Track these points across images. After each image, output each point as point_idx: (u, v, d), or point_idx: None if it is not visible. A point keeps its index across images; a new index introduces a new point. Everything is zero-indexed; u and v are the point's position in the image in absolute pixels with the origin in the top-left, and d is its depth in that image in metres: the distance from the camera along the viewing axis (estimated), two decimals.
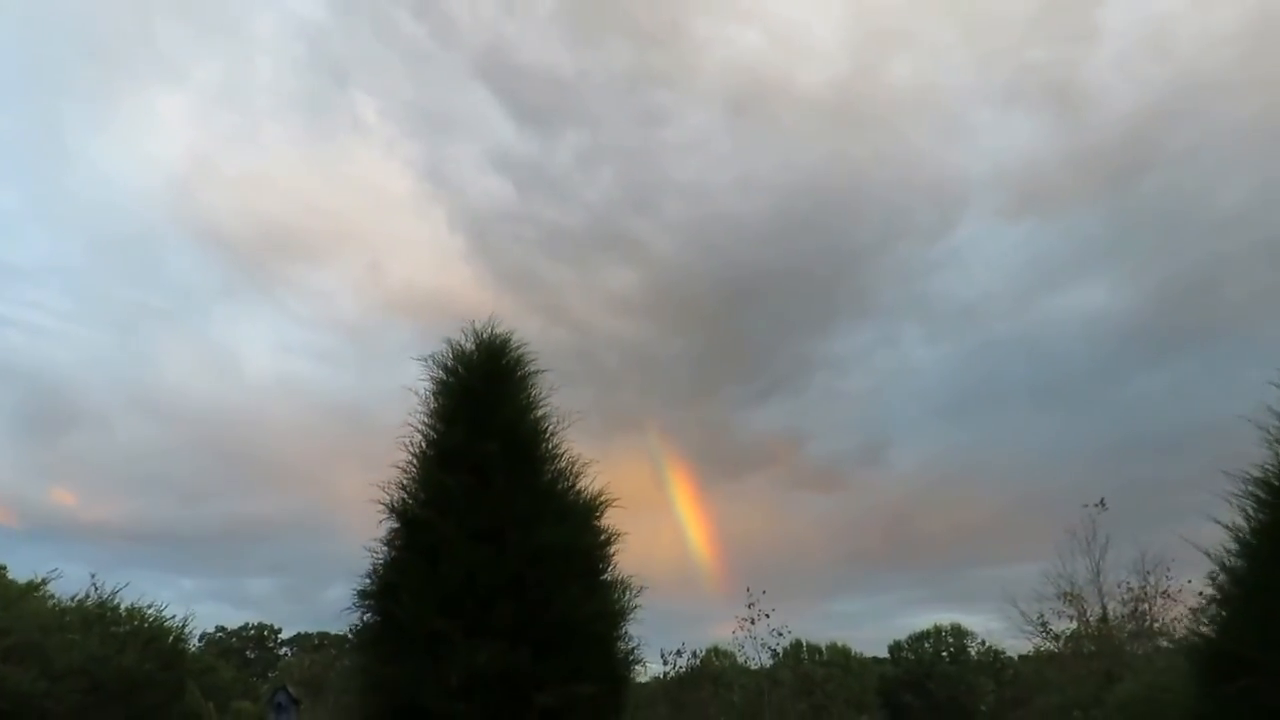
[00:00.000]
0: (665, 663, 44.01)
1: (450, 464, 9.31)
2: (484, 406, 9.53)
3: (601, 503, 9.67)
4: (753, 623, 40.03)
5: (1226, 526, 9.50)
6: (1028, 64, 59.73)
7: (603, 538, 9.57)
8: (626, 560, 9.83)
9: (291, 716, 17.43)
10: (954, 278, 65.35)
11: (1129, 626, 36.83)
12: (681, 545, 54.19)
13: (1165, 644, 35.90)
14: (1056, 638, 37.70)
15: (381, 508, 9.37)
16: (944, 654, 57.23)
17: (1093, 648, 36.64)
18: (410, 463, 9.58)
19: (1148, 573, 36.03)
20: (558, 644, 8.63)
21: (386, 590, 8.91)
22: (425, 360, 9.93)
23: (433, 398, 9.85)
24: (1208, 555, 9.49)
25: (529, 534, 8.89)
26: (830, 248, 64.57)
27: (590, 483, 9.75)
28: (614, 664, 9.10)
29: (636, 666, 9.42)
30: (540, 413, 9.89)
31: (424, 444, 9.64)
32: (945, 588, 67.57)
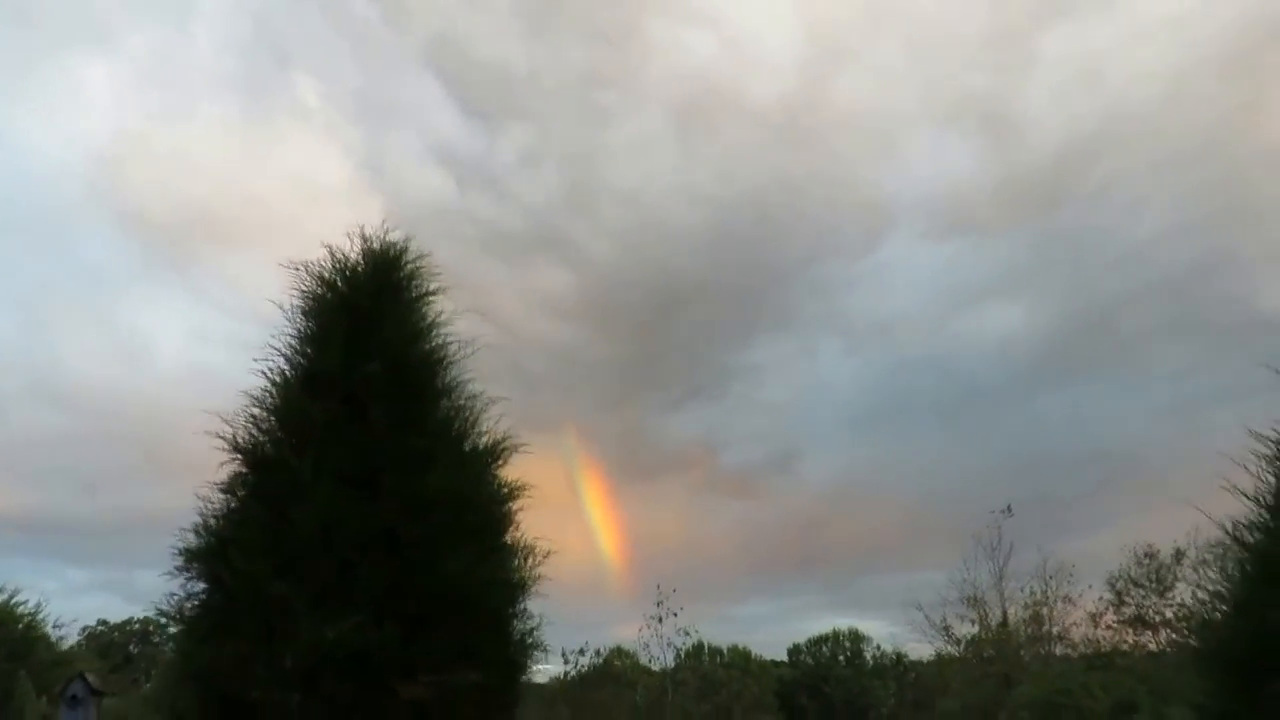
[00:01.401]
0: (566, 662, 41.87)
1: (318, 390, 7.04)
2: (367, 327, 7.27)
3: (505, 448, 7.50)
4: (660, 621, 38.23)
5: (1245, 495, 7.83)
6: (967, 90, 59.64)
7: (504, 491, 7.40)
8: (533, 524, 7.73)
9: (89, 710, 14.57)
10: (875, 295, 64.96)
11: (1027, 631, 36.09)
12: (591, 548, 52.14)
13: (1065, 650, 35.34)
14: (958, 641, 36.78)
15: (223, 445, 7.01)
16: (841, 658, 56.17)
17: (992, 652, 35.76)
18: (267, 391, 7.24)
19: (1049, 578, 35.45)
20: (437, 619, 6.42)
21: (218, 548, 6.57)
22: (297, 268, 7.62)
23: (303, 316, 7.53)
24: (1226, 531, 7.76)
25: (410, 480, 6.66)
26: (760, 261, 63.44)
27: (494, 423, 7.59)
28: (509, 647, 6.93)
29: (537, 653, 7.26)
30: (437, 340, 7.68)
31: (287, 369, 7.32)
32: (847, 594, 66.93)
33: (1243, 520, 7.92)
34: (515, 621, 7.07)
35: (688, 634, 38.36)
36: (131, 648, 53.38)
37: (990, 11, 59.76)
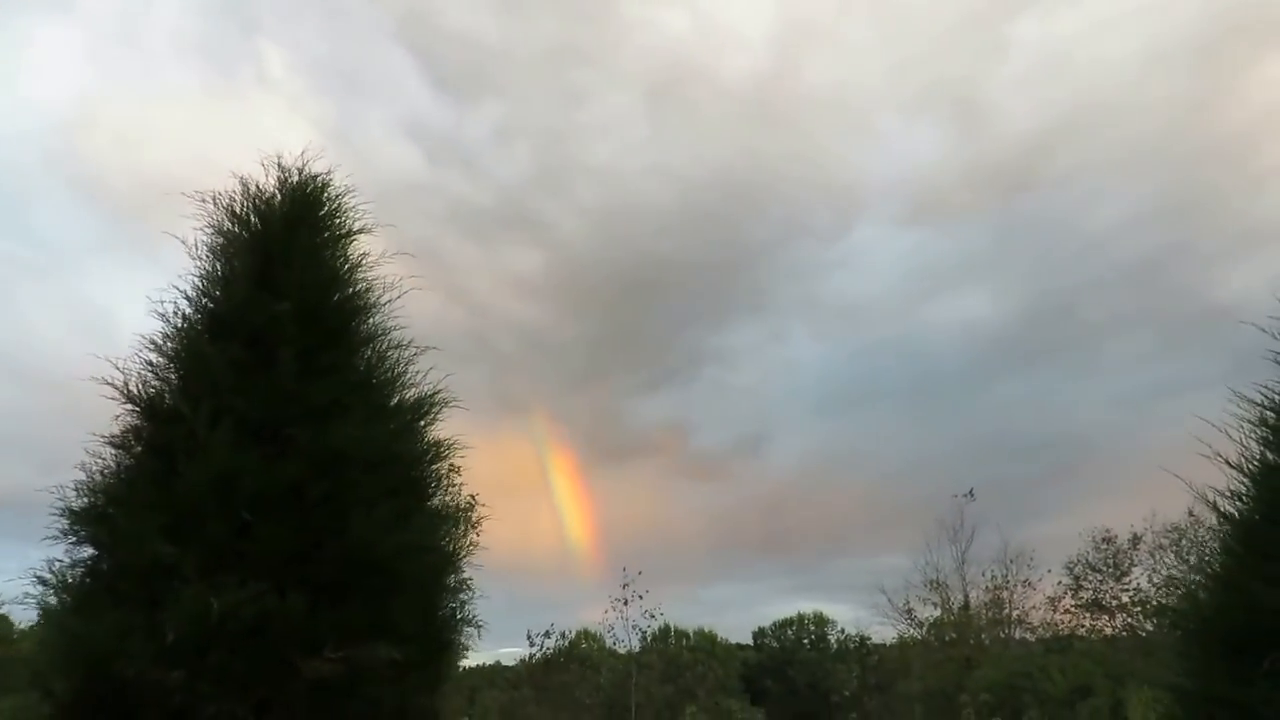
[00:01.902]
0: (532, 645, 41.10)
1: (220, 334, 6.21)
2: (279, 265, 6.43)
3: (434, 404, 6.70)
4: (626, 603, 37.56)
5: (1228, 463, 7.17)
6: (938, 75, 58.99)
7: (432, 449, 6.61)
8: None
9: None
10: (845, 279, 64.24)
11: (988, 614, 35.87)
12: (560, 531, 51.44)
13: (1024, 634, 35.15)
14: (921, 625, 36.51)
15: (114, 393, 6.15)
16: (805, 641, 55.89)
17: (953, 635, 35.50)
18: (166, 335, 6.38)
19: (1010, 562, 35.23)
20: (348, 588, 5.63)
21: (103, 508, 5.73)
22: (205, 201, 6.76)
23: (211, 254, 6.68)
24: (1207, 502, 7.10)
25: (320, 432, 5.86)
26: (733, 243, 62.50)
27: (423, 374, 6.79)
28: (434, 622, 6.14)
29: (470, 630, 6.49)
30: (360, 283, 6.86)
31: (189, 310, 6.46)
32: (813, 577, 66.68)
33: (1223, 490, 7.27)
34: (442, 594, 6.28)
35: (653, 616, 37.82)
36: None
37: None
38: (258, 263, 6.47)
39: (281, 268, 6.41)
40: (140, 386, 6.14)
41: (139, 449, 6.03)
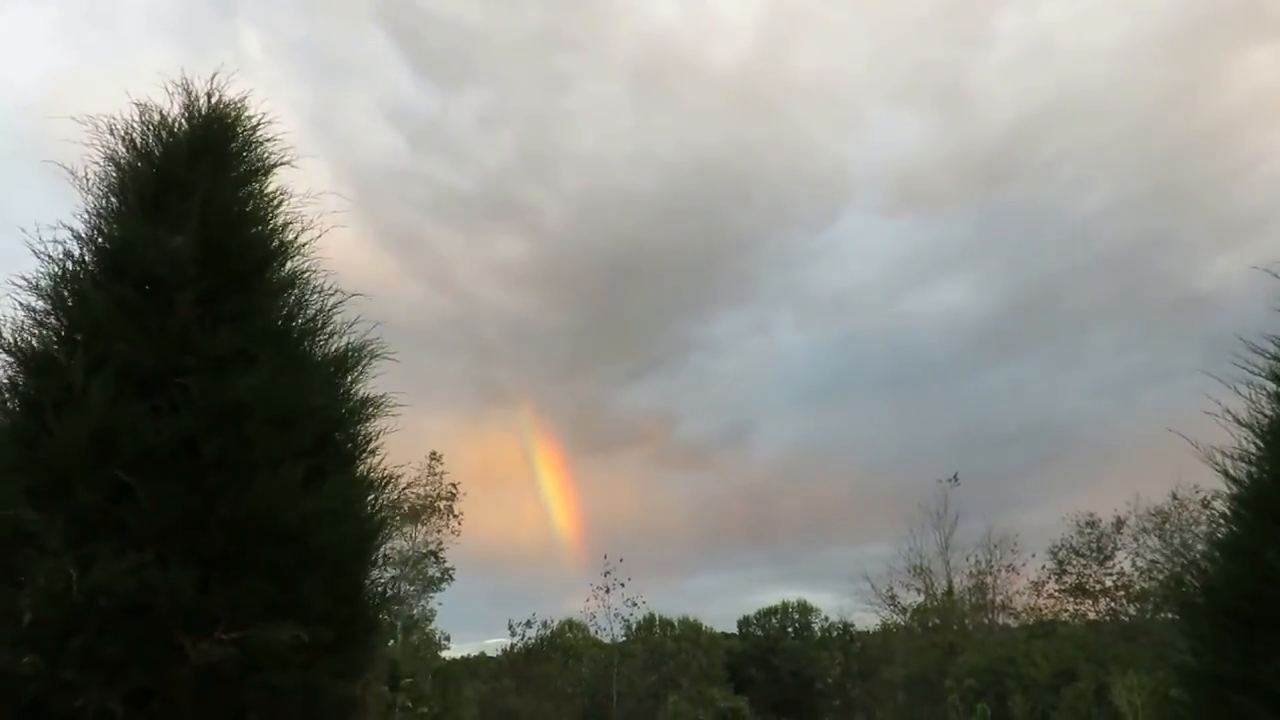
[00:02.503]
0: (513, 634, 40.35)
1: (112, 273, 5.40)
2: (181, 200, 5.61)
3: (359, 356, 5.90)
4: (607, 591, 36.89)
5: (1239, 421, 6.44)
6: (922, 63, 58.19)
7: (359, 406, 5.81)
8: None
9: None
10: (829, 268, 63.49)
11: (972, 600, 35.36)
12: (545, 521, 50.67)
13: (1007, 619, 34.64)
14: (904, 611, 35.95)
15: None
16: (790, 629, 55.32)
17: (937, 621, 34.96)
18: (50, 277, 5.55)
19: (994, 547, 34.69)
20: (248, 560, 4.83)
21: None
22: (100, 128, 5.92)
23: (105, 187, 5.85)
24: (1215, 466, 6.36)
25: (221, 383, 5.06)
26: (718, 231, 61.63)
27: (348, 324, 5.98)
28: (351, 601, 5.34)
29: (395, 608, 5.72)
30: (276, 222, 6.05)
31: (77, 250, 5.63)
32: (797, 566, 66.22)
33: (1229, 452, 6.54)
34: (364, 569, 5.50)
35: (635, 605, 37.16)
36: None
37: None
38: (157, 196, 5.66)
39: (183, 201, 5.59)
40: (15, 334, 5.32)
41: (12, 405, 5.22)
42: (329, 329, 5.92)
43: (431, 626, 39.33)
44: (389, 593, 5.80)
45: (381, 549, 5.77)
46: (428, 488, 38.29)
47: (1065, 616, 30.99)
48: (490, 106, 59.53)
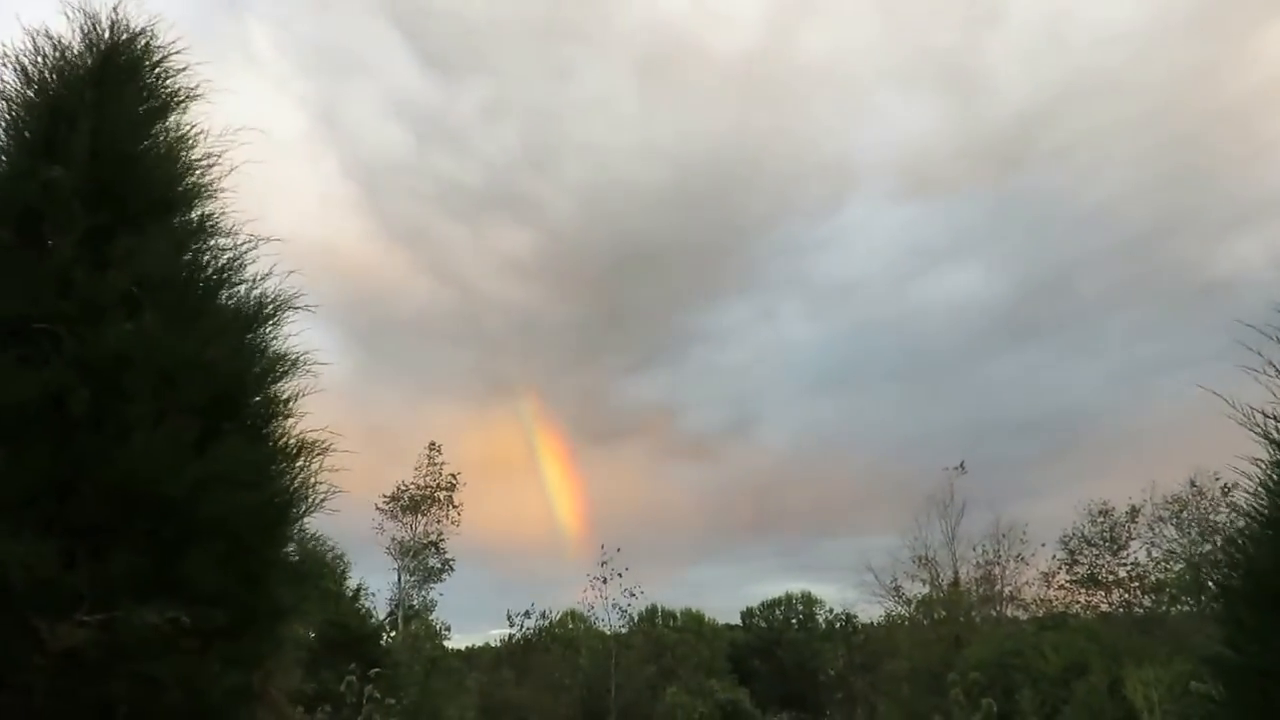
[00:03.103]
0: (512, 624, 39.83)
1: None
2: (71, 132, 4.98)
3: (276, 307, 5.26)
4: (605, 582, 36.34)
5: None
6: (933, 47, 57.21)
7: (272, 364, 5.17)
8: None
9: None
10: (837, 257, 62.66)
11: (979, 591, 34.61)
12: (549, 512, 50.18)
13: (1016, 611, 33.89)
14: (909, 602, 35.24)
15: None
16: (794, 621, 54.74)
17: (943, 612, 34.24)
18: None
19: (1002, 537, 33.92)
20: (122, 532, 4.20)
21: None
22: None
23: None
24: (1257, 428, 5.64)
25: (97, 331, 4.42)
26: (724, 221, 60.88)
27: (264, 276, 5.33)
28: (257, 582, 4.70)
29: (312, 587, 5.09)
30: (190, 159, 5.40)
31: None
32: (802, 557, 65.62)
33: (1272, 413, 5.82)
34: (270, 545, 4.85)
35: (633, 595, 36.60)
36: None
37: None
38: (48, 130, 5.02)
39: (73, 133, 4.95)
40: None
41: None
42: (237, 277, 5.28)
43: (433, 617, 38.95)
44: (309, 572, 5.13)
45: (299, 524, 5.12)
46: (427, 478, 37.91)
47: (1076, 608, 30.23)
48: (495, 98, 58.94)
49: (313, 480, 5.22)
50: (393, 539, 36.37)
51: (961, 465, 35.13)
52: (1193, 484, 26.09)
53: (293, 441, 5.22)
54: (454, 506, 37.28)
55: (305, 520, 5.20)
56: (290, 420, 5.27)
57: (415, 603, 37.57)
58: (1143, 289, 54.61)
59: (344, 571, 33.22)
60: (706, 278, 64.23)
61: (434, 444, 38.11)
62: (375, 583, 35.32)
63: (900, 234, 61.69)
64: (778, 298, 64.57)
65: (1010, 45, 55.49)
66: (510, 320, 59.34)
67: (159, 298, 4.71)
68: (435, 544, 37.11)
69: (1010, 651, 27.98)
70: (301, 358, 5.33)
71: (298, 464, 5.15)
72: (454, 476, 37.40)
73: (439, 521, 37.13)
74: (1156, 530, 27.79)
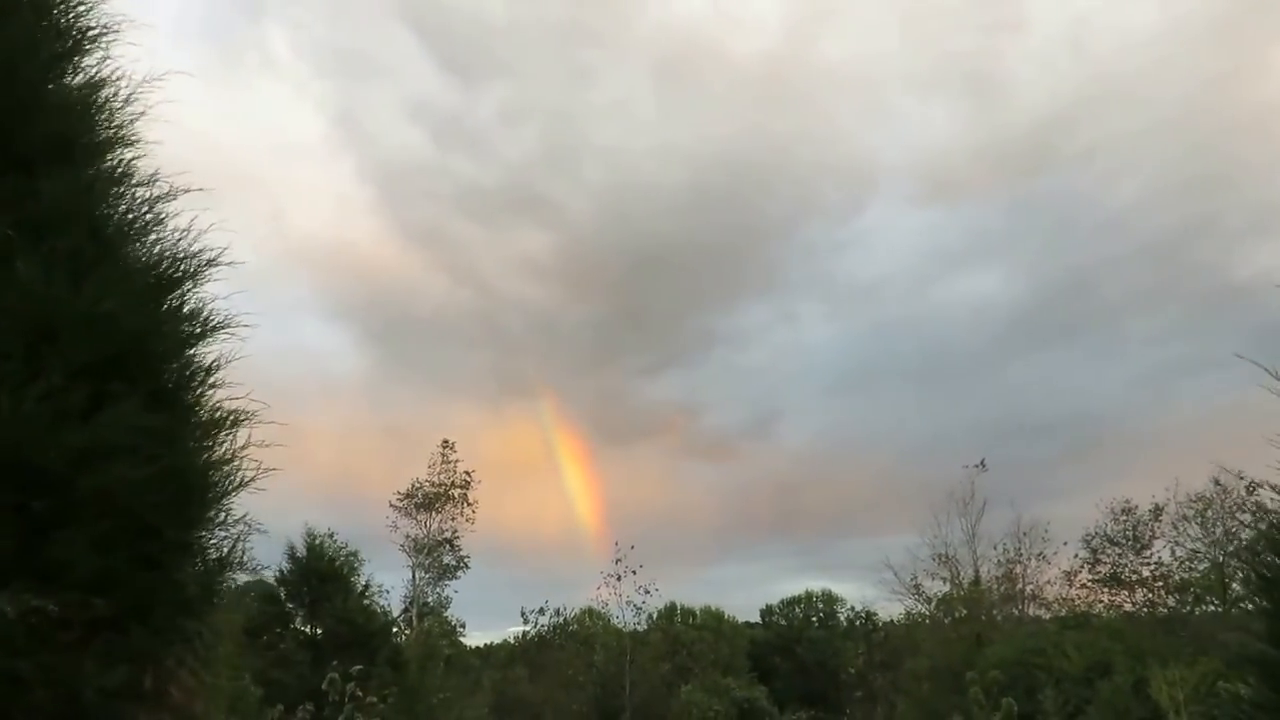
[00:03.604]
0: (526, 622, 39.29)
1: None
2: None
3: (192, 263, 4.67)
4: (619, 579, 35.75)
5: None
6: (953, 51, 56.34)
7: (187, 323, 4.58)
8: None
9: None
10: (857, 259, 61.98)
11: (1000, 589, 33.73)
12: (569, 511, 49.71)
13: (1038, 610, 32.98)
14: (929, 600, 34.43)
15: None
16: (814, 619, 53.89)
17: (964, 611, 33.40)
18: None
19: (1023, 535, 33.03)
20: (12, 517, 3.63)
21: None
22: None
23: None
24: None
25: None
26: (744, 223, 60.30)
27: (193, 222, 4.74)
28: (154, 568, 4.10)
29: (229, 579, 4.49)
30: (98, 103, 4.83)
31: None
32: (822, 556, 64.86)
33: None
34: (175, 526, 4.25)
35: (647, 592, 35.95)
36: None
37: None
38: None
39: None
40: None
41: None
42: (158, 232, 4.69)
43: (447, 614, 38.49)
44: (227, 558, 4.52)
45: (218, 504, 4.53)
46: (441, 476, 37.43)
47: (1099, 608, 29.32)
48: (513, 100, 58.58)
49: (237, 456, 4.62)
50: (406, 536, 36.00)
51: (982, 463, 34.32)
52: (1216, 482, 25.13)
53: (211, 412, 4.63)
54: (468, 504, 36.84)
55: (228, 500, 4.60)
56: (211, 390, 4.68)
57: (430, 600, 37.17)
58: (1164, 293, 53.50)
59: (353, 568, 32.88)
60: (726, 279, 63.66)
61: (447, 441, 37.67)
62: (390, 580, 34.96)
63: (920, 237, 60.90)
64: (798, 299, 63.92)
65: (1031, 51, 54.49)
66: (528, 321, 59.06)
67: (52, 247, 4.13)
68: (450, 541, 36.68)
69: (1032, 650, 27.15)
70: (226, 320, 4.74)
71: (216, 437, 4.56)
72: (468, 474, 36.94)
73: (453, 519, 36.71)
74: (1180, 529, 26.84)
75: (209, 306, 4.71)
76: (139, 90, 4.97)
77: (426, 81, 59.60)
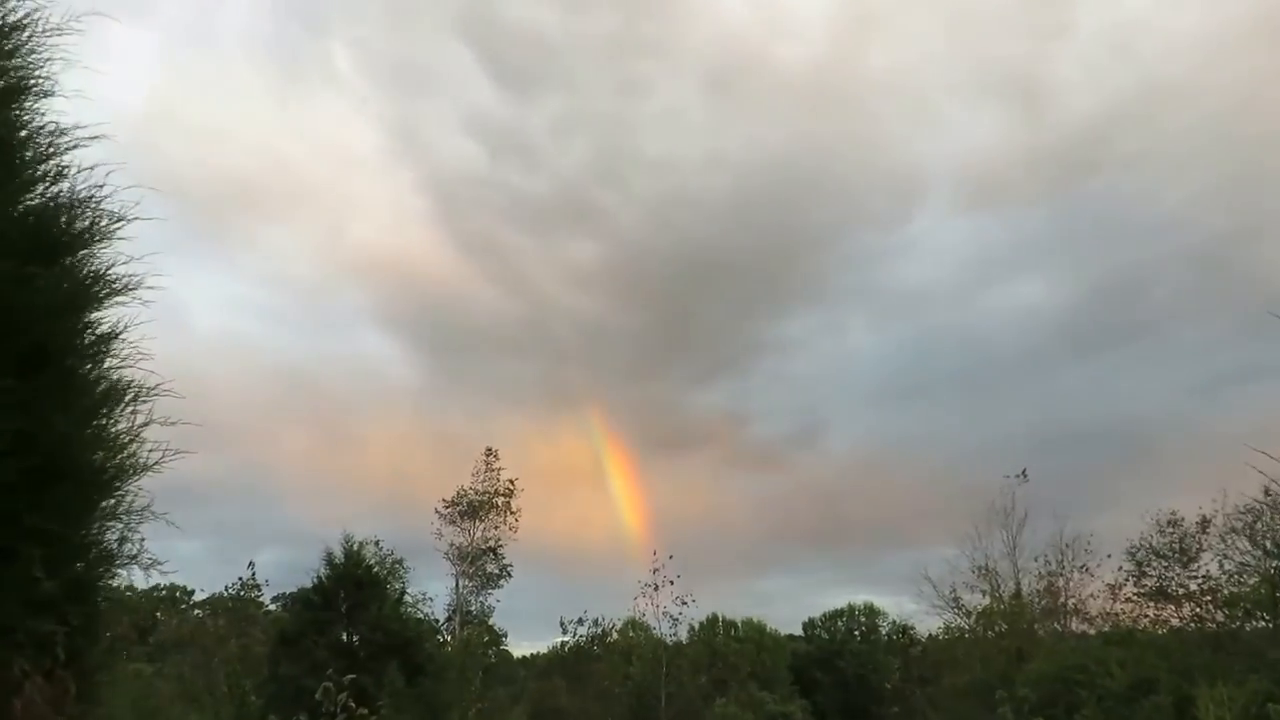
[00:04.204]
0: (565, 632, 38.67)
1: None
2: None
3: (96, 217, 4.23)
4: (655, 589, 34.97)
5: None
6: (999, 58, 55.27)
7: (86, 282, 4.15)
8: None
9: None
10: (903, 267, 60.75)
11: (1041, 604, 32.24)
12: (614, 520, 49.13)
13: (1081, 625, 31.41)
14: (968, 614, 33.04)
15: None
16: (856, 633, 52.34)
17: (1004, 625, 31.97)
18: None
19: (1065, 547, 31.54)
20: None
21: None
22: None
23: None
24: None
25: None
26: (790, 230, 59.54)
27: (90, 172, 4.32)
28: (23, 566, 3.63)
29: (115, 576, 4.01)
30: None
31: None
32: (866, 569, 63.24)
33: None
34: (43, 511, 3.78)
35: (684, 603, 35.09)
36: (158, 614, 51.08)
37: None
38: None
39: None
40: None
41: None
42: (46, 173, 4.27)
43: (491, 622, 38.05)
44: (116, 553, 4.04)
45: (113, 492, 4.07)
46: (485, 483, 37.03)
47: (1145, 623, 27.74)
48: (566, 112, 58.75)
49: (134, 436, 4.17)
50: (451, 544, 35.64)
51: (1023, 474, 32.90)
52: (1266, 493, 23.58)
53: (110, 385, 4.19)
54: (512, 513, 36.36)
55: (123, 487, 4.14)
56: (110, 360, 4.24)
57: (473, 608, 36.75)
58: (1213, 299, 51.35)
59: (394, 574, 32.60)
60: (773, 287, 62.86)
61: (490, 450, 37.25)
62: (435, 589, 34.68)
63: (966, 243, 59.48)
64: (845, 308, 62.86)
65: (1077, 56, 53.06)
66: (578, 330, 58.90)
67: None
68: (493, 550, 36.22)
69: (1074, 667, 25.75)
70: (130, 282, 4.29)
71: (109, 413, 4.11)
72: (511, 483, 36.48)
73: (496, 528, 36.26)
74: (1229, 542, 25.23)
75: (110, 269, 4.28)
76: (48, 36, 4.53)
77: (482, 95, 60.14)
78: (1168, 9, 52.51)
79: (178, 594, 54.35)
